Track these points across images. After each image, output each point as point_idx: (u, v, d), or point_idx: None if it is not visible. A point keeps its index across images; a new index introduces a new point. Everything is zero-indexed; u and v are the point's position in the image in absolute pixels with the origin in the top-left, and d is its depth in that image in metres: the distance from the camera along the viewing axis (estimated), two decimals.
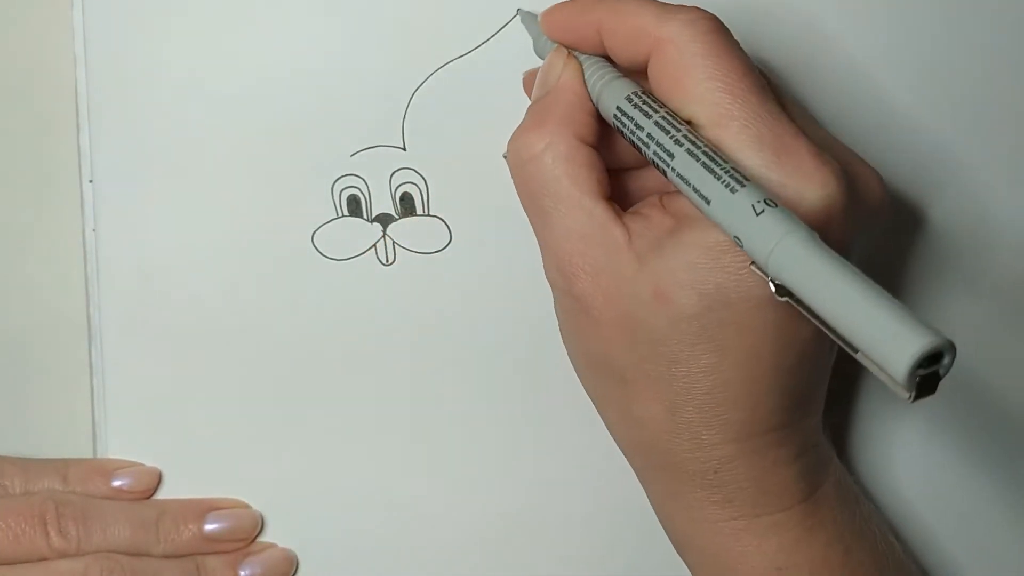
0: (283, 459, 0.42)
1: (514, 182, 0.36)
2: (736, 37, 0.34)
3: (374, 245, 0.41)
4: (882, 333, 0.26)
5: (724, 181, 0.31)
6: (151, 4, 0.40)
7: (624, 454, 0.38)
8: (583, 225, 0.34)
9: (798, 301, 0.29)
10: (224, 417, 0.41)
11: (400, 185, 0.41)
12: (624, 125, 0.34)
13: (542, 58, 0.38)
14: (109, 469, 0.41)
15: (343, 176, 0.41)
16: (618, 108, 0.35)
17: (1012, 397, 0.43)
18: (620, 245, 0.34)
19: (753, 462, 0.35)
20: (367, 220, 0.41)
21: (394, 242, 0.41)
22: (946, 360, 0.26)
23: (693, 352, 0.33)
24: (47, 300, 0.41)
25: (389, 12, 0.40)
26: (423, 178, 0.41)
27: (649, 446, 0.36)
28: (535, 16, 0.38)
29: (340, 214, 0.41)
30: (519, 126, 0.36)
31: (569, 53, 0.37)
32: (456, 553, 0.42)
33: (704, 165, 0.31)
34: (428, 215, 0.41)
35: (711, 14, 0.34)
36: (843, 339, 0.28)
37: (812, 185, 0.32)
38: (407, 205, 0.41)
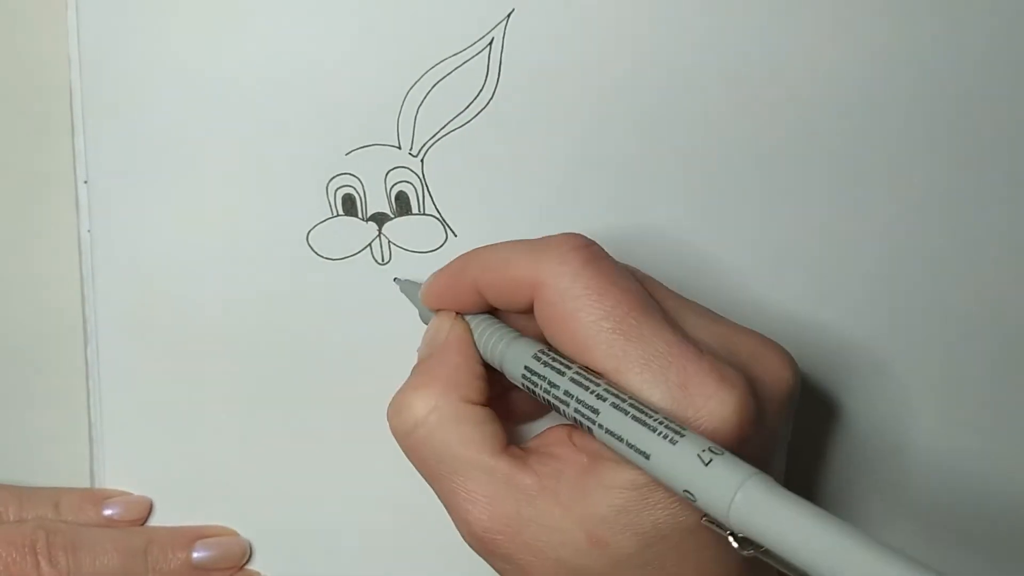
0: (277, 467, 0.42)
1: (401, 447, 0.34)
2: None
3: (369, 244, 0.41)
4: None
5: (661, 433, 0.29)
6: (145, 5, 0.40)
7: None
8: (485, 486, 0.33)
9: (766, 552, 0.27)
10: (221, 416, 0.41)
11: (395, 184, 0.41)
12: (536, 385, 0.33)
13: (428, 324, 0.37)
14: (101, 498, 0.41)
15: (338, 175, 0.41)
16: (526, 368, 0.33)
17: None
18: (532, 495, 0.32)
19: None
20: (362, 219, 0.41)
21: (389, 241, 0.41)
22: None
23: None
24: (43, 301, 0.42)
25: (383, 10, 0.40)
26: (418, 177, 0.41)
27: None
28: (416, 285, 0.38)
29: (335, 213, 0.41)
30: (402, 387, 0.34)
31: (457, 314, 0.36)
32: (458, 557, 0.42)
33: (635, 418, 0.30)
34: (423, 214, 0.41)
35: (581, 239, 0.33)
36: None
37: (723, 408, 0.30)
38: (402, 204, 0.41)
